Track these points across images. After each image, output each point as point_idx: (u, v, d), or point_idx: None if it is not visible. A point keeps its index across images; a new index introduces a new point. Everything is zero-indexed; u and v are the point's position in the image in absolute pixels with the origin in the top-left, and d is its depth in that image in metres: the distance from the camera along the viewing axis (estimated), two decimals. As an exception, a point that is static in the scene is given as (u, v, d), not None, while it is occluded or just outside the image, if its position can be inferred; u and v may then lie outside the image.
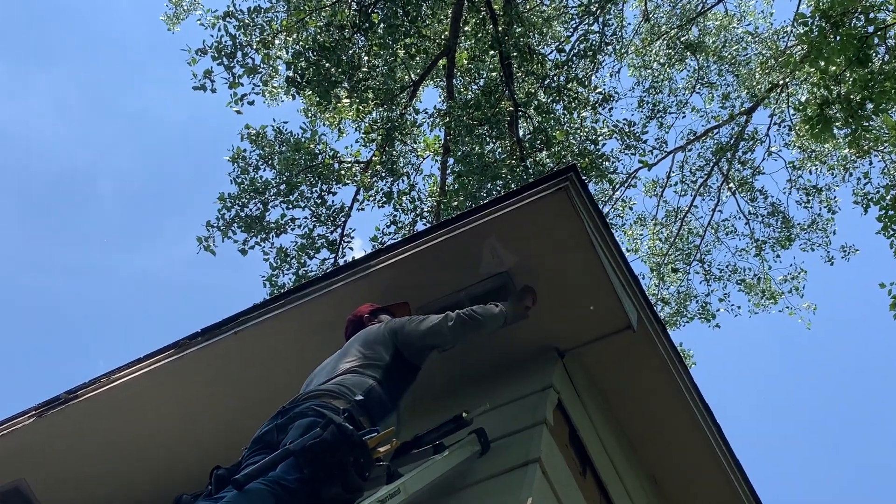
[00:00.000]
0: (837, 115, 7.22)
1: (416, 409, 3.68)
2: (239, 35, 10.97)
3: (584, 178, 4.08)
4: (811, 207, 15.28)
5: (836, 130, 7.72)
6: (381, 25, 11.38)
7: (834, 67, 7.10)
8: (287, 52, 11.64)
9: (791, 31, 14.86)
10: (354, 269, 4.30)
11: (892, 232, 8.41)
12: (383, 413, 3.32)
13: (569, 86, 11.87)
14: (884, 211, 8.57)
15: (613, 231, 4.42)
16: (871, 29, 7.31)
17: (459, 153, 11.38)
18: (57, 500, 4.76)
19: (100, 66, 22.43)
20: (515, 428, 3.62)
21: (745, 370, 23.20)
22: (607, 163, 11.83)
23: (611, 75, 15.25)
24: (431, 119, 12.47)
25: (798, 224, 15.35)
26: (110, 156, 22.39)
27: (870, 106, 7.03)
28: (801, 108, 9.29)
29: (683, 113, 15.86)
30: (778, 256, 15.38)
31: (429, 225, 11.77)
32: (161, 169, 23.35)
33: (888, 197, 10.41)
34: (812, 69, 8.15)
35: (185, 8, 13.59)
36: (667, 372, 4.38)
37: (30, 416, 4.66)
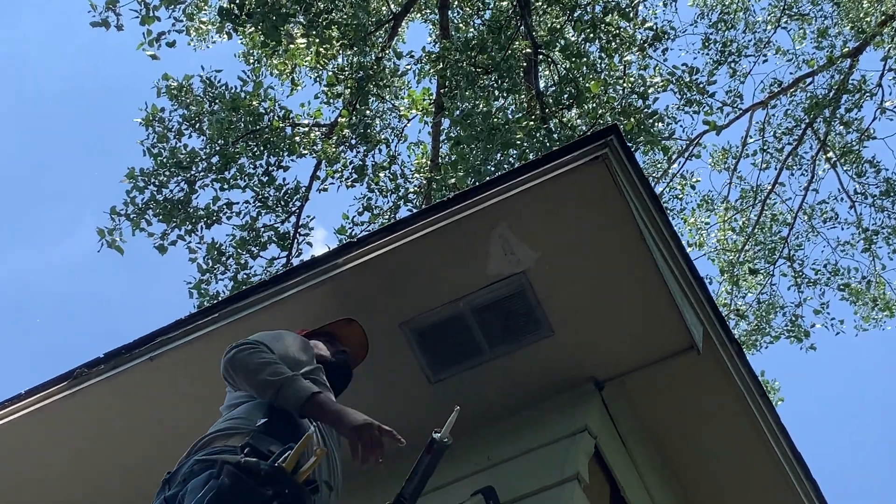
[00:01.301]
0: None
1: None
2: (154, -49, 10.96)
3: (628, 143, 4.10)
4: (940, 185, 15.34)
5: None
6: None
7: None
8: (221, -25, 11.67)
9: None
10: (314, 269, 4.32)
11: None
12: (297, 432, 3.33)
13: (607, 19, 11.88)
14: None
15: (670, 218, 4.44)
16: None
17: (458, 112, 11.39)
18: None
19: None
20: (537, 486, 3.65)
21: (852, 407, 23.24)
22: (660, 124, 11.86)
23: (665, 5, 15.30)
24: (419, 66, 12.49)
25: (922, 208, 15.41)
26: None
27: None
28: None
29: (765, 56, 15.88)
30: (895, 252, 15.44)
31: (416, 210, 11.79)
32: (42, 136, 23.21)
33: None
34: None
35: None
36: (743, 409, 4.41)
37: None
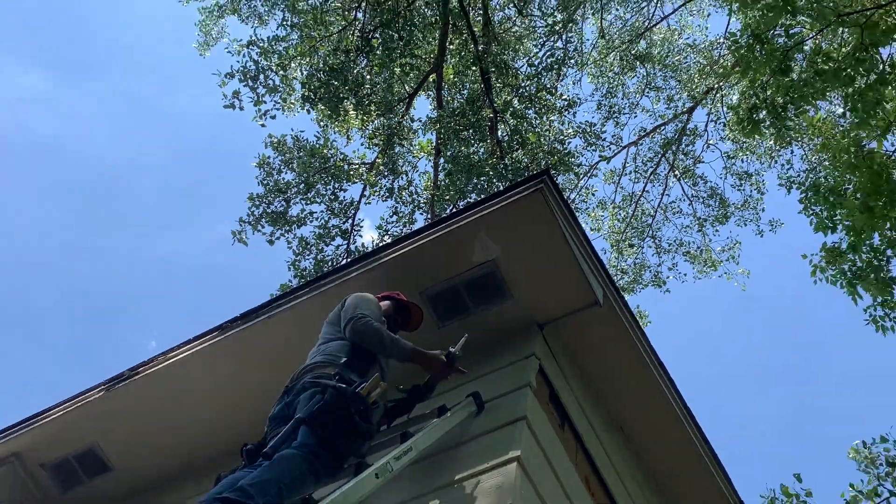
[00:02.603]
0: (764, 117, 7.23)
1: (414, 378, 3.66)
2: (261, 60, 10.91)
3: (554, 173, 4.09)
4: (743, 189, 15.34)
5: (762, 129, 7.74)
6: (380, 48, 11.31)
7: (760, 77, 7.11)
8: (302, 74, 11.60)
9: (723, 42, 14.81)
10: (368, 259, 4.31)
11: (811, 210, 8.45)
12: (368, 365, 3.35)
13: (539, 94, 11.82)
14: (804, 193, 8.61)
15: (579, 214, 4.44)
16: (790, 42, 7.31)
17: (449, 154, 11.35)
18: (124, 457, 4.79)
19: (141, 79, 22.16)
20: (505, 390, 3.66)
21: (693, 327, 23.37)
22: (573, 158, 11.81)
23: (574, 84, 15.24)
24: (424, 126, 12.43)
25: (733, 204, 15.37)
26: (151, 157, 22.12)
27: (791, 108, 7.05)
28: (733, 108, 9.27)
29: (635, 113, 15.84)
30: (717, 231, 15.44)
31: (425, 215, 11.76)
32: (195, 167, 23.15)
33: (807, 181, 10.49)
34: (742, 78, 8.14)
35: (214, 37, 13.49)
36: (628, 339, 4.42)
37: (99, 390, 4.68)
